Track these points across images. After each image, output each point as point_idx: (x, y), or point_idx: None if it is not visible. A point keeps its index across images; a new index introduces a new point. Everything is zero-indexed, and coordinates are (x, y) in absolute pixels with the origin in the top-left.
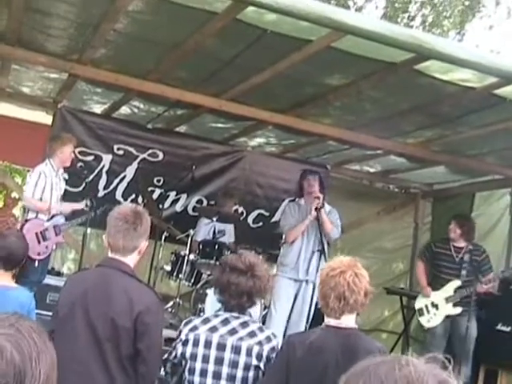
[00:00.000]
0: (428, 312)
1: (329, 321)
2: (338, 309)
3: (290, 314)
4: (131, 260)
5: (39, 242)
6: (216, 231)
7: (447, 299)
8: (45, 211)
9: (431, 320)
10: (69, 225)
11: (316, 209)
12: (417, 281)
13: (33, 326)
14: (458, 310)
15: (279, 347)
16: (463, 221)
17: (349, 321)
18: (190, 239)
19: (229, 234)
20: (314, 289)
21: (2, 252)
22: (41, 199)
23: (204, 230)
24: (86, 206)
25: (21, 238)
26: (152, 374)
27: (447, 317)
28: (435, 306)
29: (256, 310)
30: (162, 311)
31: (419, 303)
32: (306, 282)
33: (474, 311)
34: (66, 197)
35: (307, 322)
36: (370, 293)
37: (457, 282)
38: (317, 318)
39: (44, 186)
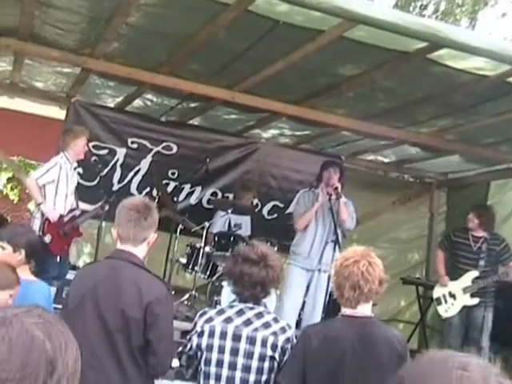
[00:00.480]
0: (446, 302)
1: (345, 311)
2: (353, 298)
3: (303, 305)
4: (141, 251)
5: (60, 237)
6: (232, 224)
7: (465, 289)
8: (37, 201)
9: (449, 310)
10: (85, 218)
11: (329, 197)
12: (435, 270)
13: (56, 318)
14: (476, 300)
15: (294, 338)
16: (481, 211)
17: (365, 309)
18: (205, 231)
19: (245, 228)
20: (329, 278)
21: (27, 246)
22: (56, 193)
23: (220, 222)
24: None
25: (35, 232)
26: (162, 366)
27: (464, 307)
28: (453, 295)
29: (272, 301)
30: (172, 302)
31: (437, 292)
32: (319, 271)
33: (490, 302)
34: (81, 191)
35: (323, 312)
36: (384, 281)
37: (475, 273)
38: (332, 309)
39: (58, 177)
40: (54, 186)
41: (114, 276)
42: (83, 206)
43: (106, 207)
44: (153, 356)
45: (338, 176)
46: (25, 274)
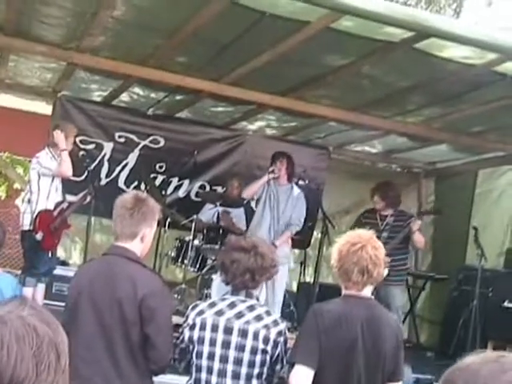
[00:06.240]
0: None
1: (349, 292)
2: (362, 282)
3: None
4: (135, 247)
5: (51, 232)
6: (220, 214)
7: None
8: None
9: None
10: (71, 210)
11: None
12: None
13: (40, 304)
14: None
15: (286, 331)
16: (385, 192)
17: (368, 292)
18: (193, 225)
19: (238, 220)
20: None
21: None
22: (50, 185)
23: (208, 214)
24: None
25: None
26: (163, 359)
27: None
28: None
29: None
30: (168, 296)
31: None
32: None
33: (394, 281)
34: (69, 186)
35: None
36: (387, 264)
37: None
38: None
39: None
40: (49, 180)
41: (109, 271)
42: (70, 198)
43: (88, 198)
44: (152, 350)
45: (284, 166)
46: None
